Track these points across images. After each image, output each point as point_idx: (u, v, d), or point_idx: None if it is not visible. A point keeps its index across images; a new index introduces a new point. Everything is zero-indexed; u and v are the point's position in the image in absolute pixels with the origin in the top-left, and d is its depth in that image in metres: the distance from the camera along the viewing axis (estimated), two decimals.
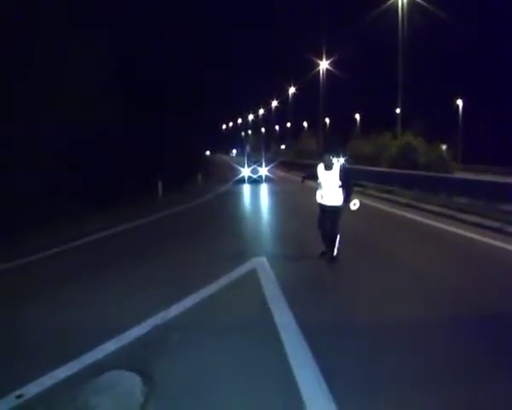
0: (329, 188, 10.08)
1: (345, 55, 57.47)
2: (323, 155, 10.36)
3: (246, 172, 37.18)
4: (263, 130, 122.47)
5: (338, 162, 10.40)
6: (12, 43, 15.79)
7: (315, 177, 10.39)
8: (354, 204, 10.18)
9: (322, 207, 10.30)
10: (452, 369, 5.27)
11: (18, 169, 15.72)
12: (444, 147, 34.66)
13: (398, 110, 37.06)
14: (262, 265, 9.81)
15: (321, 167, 10.21)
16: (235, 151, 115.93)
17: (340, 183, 10.01)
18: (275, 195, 28.55)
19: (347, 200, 10.08)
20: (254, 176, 36.54)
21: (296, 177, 38.83)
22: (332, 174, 10.05)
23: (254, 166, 37.30)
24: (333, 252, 10.15)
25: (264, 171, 37.31)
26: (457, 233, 13.61)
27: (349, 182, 10.19)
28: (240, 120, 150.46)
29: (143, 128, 24.55)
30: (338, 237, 10.11)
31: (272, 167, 41.54)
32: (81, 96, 18.48)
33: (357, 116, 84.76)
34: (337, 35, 72.72)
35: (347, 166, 10.55)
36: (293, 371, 5.21)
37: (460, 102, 70.52)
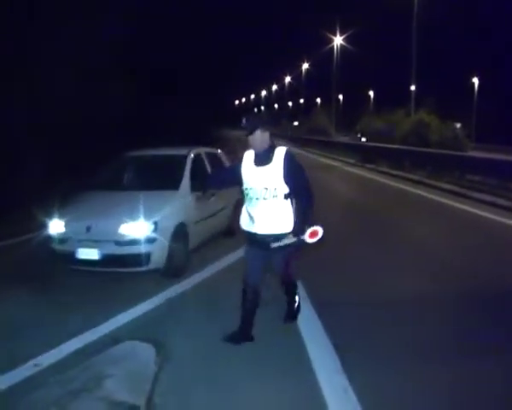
0: (265, 202, 5.11)
1: (359, 31, 56.81)
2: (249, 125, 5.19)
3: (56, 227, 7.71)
4: (276, 106, 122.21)
5: (279, 150, 5.17)
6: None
7: (233, 179, 5.57)
8: (313, 232, 5.05)
9: (253, 240, 5.32)
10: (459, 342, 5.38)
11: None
12: (458, 125, 34.38)
13: (412, 87, 36.74)
14: None
15: (248, 159, 5.30)
16: None
17: (286, 189, 5.08)
18: None
19: (304, 221, 5.08)
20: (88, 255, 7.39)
21: (310, 155, 38.88)
22: (269, 173, 5.09)
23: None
24: (292, 311, 5.96)
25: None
26: (469, 211, 13.61)
27: (302, 184, 5.17)
28: (253, 96, 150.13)
29: (152, 104, 24.65)
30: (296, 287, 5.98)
31: None
32: (94, 73, 18.60)
33: (371, 93, 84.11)
34: (352, 10, 71.83)
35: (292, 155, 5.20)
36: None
37: (476, 81, 69.69)
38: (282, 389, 4.50)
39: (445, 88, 52.13)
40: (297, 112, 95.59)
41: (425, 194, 17.13)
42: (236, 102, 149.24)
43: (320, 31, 60.27)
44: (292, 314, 5.93)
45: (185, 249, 8.10)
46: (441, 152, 24.20)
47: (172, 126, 26.06)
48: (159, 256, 7.41)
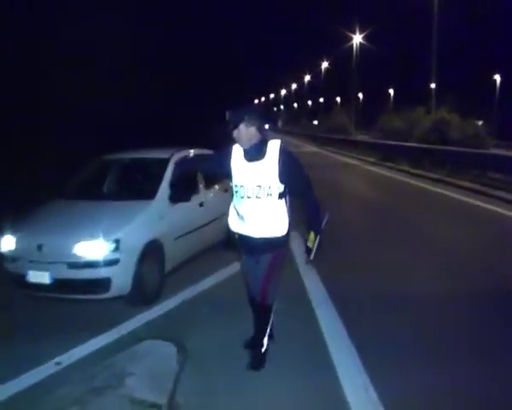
0: (258, 201, 4.54)
1: (379, 29, 56.45)
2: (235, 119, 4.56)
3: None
4: (295, 105, 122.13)
5: (272, 144, 4.59)
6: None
7: (221, 173, 5.57)
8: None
9: (248, 246, 4.78)
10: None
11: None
12: (480, 123, 34.00)
13: (432, 85, 36.42)
14: None
15: (237, 153, 4.71)
16: (267, 126, 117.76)
17: (281, 187, 4.56)
18: None
19: (320, 220, 4.74)
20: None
21: (330, 153, 38.83)
22: (263, 169, 4.52)
23: None
24: (259, 343, 4.92)
25: None
26: (489, 209, 13.51)
27: (305, 182, 4.70)
28: (272, 95, 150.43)
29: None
30: (272, 309, 4.89)
31: None
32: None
33: (391, 91, 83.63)
34: (372, 8, 71.45)
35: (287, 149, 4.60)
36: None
37: (498, 77, 68.90)
38: (303, 389, 4.50)
39: (466, 85, 51.65)
40: (316, 111, 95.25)
41: (445, 192, 16.97)
42: (256, 100, 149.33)
43: (339, 29, 59.98)
44: (258, 358, 4.89)
45: (159, 272, 6.80)
46: (462, 150, 23.94)
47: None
48: (122, 282, 6.19)
